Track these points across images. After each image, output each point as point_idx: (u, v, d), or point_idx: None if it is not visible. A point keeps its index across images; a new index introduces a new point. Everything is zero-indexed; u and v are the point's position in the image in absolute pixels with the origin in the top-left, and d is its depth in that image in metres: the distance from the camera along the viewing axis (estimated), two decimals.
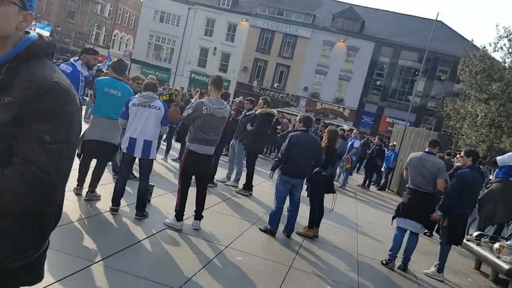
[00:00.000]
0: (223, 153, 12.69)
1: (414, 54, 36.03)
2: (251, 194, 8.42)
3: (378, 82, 37.55)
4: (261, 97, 8.85)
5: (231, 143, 9.23)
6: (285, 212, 6.12)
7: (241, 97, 17.22)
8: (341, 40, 36.41)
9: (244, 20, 37.59)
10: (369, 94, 37.00)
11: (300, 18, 37.37)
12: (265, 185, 9.88)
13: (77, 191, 5.56)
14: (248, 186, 8.44)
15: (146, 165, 5.25)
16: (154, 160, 5.45)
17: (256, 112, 8.49)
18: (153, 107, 5.09)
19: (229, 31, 38.15)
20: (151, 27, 39.46)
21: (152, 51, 40.16)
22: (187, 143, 5.32)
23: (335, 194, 6.52)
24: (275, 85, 37.85)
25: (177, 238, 4.93)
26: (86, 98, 5.29)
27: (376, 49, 36.29)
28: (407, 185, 6.02)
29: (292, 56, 37.32)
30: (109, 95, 5.27)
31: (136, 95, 5.14)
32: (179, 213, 5.22)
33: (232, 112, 11.15)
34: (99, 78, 5.39)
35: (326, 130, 6.94)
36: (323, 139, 6.71)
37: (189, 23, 38.49)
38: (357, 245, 6.78)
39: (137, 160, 5.27)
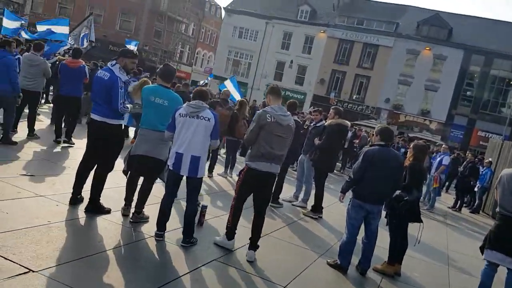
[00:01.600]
0: (292, 167, 11.93)
1: (508, 62, 32.66)
2: (320, 217, 7.47)
3: (468, 93, 34.52)
4: (332, 107, 7.90)
5: (299, 158, 8.38)
6: (360, 243, 5.13)
7: (310, 108, 16.29)
8: (427, 48, 34.07)
9: (322, 31, 36.69)
10: (458, 106, 34.08)
11: (382, 26, 35.63)
12: (338, 207, 8.84)
13: (124, 212, 5.04)
14: (317, 208, 7.51)
15: (194, 185, 4.57)
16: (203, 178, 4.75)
17: (326, 124, 7.57)
18: (202, 117, 4.42)
19: (306, 43, 37.43)
20: (230, 43, 39.99)
21: (231, 67, 40.60)
22: (247, 161, 4.69)
23: (421, 223, 5.37)
24: (354, 97, 36.30)
25: (224, 274, 4.17)
26: (129, 106, 4.74)
27: (466, 57, 33.43)
28: (496, 209, 4.97)
29: (372, 67, 35.61)
30: (155, 105, 4.70)
31: (184, 104, 4.51)
32: (231, 231, 4.79)
33: (307, 124, 10.33)
34: (145, 86, 4.84)
35: (411, 146, 5.82)
36: (408, 156, 5.62)
37: (267, 37, 38.42)
38: (449, 283, 5.58)
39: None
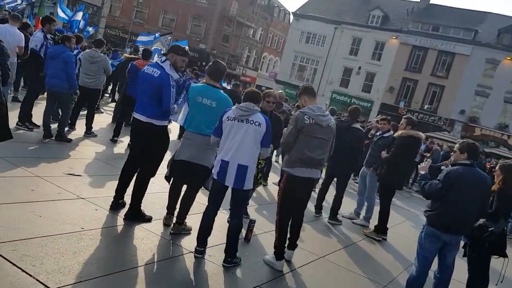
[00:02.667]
0: (354, 179, 11.10)
1: None
2: (385, 239, 6.68)
3: None
4: (404, 116, 7.07)
5: (361, 170, 7.63)
6: (431, 276, 4.35)
7: (378, 116, 15.28)
8: (508, 58, 31.38)
9: (394, 37, 35.04)
10: None
11: (459, 34, 33.35)
12: (405, 227, 8.00)
13: (166, 221, 4.64)
14: (381, 229, 6.71)
15: (240, 198, 4.05)
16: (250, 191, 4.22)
17: (396, 135, 6.76)
18: (252, 122, 3.90)
19: (376, 50, 35.92)
20: (296, 48, 39.41)
21: (296, 72, 40.00)
22: (285, 167, 4.40)
23: (506, 258, 4.48)
24: (426, 106, 34.23)
25: None
26: (175, 106, 4.32)
27: None
28: None
29: (447, 76, 33.41)
30: (202, 106, 4.24)
31: (233, 107, 4.01)
32: (279, 250, 4.42)
33: (371, 133, 9.50)
34: (193, 85, 4.39)
35: (498, 167, 4.91)
36: (496, 180, 4.74)
37: (334, 42, 37.38)
38: None
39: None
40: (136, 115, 4.45)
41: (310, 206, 7.56)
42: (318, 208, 7.23)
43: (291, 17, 43.89)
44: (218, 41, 41.43)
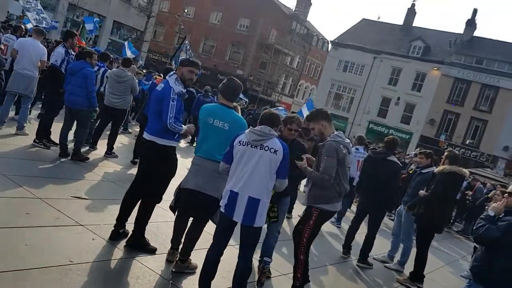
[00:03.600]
0: (389, 215, 10.29)
1: None
2: None
3: None
4: (447, 150, 6.34)
5: (398, 209, 6.90)
6: None
7: (417, 149, 14.42)
8: None
9: (436, 68, 33.95)
10: None
11: (504, 67, 31.91)
12: (443, 274, 7.14)
13: (169, 257, 4.11)
14: (417, 276, 5.94)
15: (249, 236, 3.48)
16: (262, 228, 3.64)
17: (436, 171, 6.05)
18: (267, 148, 3.38)
19: (417, 80, 34.86)
20: (333, 76, 38.88)
21: (332, 100, 39.34)
22: (320, 204, 4.10)
23: None
24: (467, 141, 32.64)
25: None
26: (183, 127, 3.88)
27: None
28: None
29: (491, 110, 31.87)
30: (214, 128, 3.76)
31: (247, 130, 3.51)
32: None
33: (411, 168, 8.76)
34: (204, 105, 3.93)
35: None
36: None
37: (373, 72, 36.62)
38: None
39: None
40: (144, 134, 4.06)
41: (337, 245, 6.89)
42: (347, 248, 6.53)
43: (330, 45, 43.63)
44: (255, 67, 41.60)
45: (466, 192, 13.20)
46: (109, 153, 7.94)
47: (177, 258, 3.98)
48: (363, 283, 5.56)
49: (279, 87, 45.42)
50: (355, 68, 37.99)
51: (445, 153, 6.14)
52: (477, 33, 37.17)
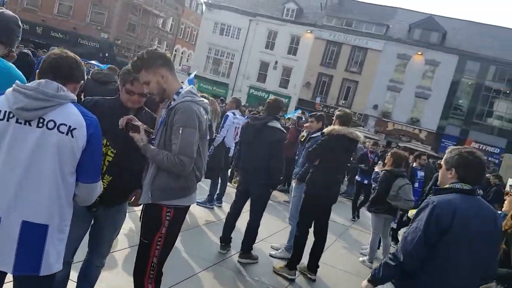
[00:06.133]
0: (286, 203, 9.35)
1: (505, 70, 30.79)
2: (314, 280, 4.89)
3: (461, 101, 32.51)
4: (338, 110, 5.26)
5: (291, 186, 5.81)
6: None
7: (299, 111, 13.73)
8: (419, 53, 31.92)
9: (309, 32, 34.22)
10: (450, 115, 32.02)
11: (371, 29, 33.36)
12: (338, 250, 6.27)
13: None
14: (312, 266, 4.95)
15: None
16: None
17: (325, 131, 5.01)
18: (52, 125, 1.86)
19: (292, 44, 34.89)
20: (210, 40, 37.17)
21: (211, 66, 37.80)
22: (169, 198, 2.66)
23: None
24: (341, 102, 33.82)
25: None
26: None
27: (460, 63, 31.41)
28: None
29: (361, 71, 33.29)
30: None
31: (8, 90, 1.84)
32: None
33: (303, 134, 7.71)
34: None
35: None
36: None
37: (250, 35, 35.76)
38: None
39: None
40: None
41: (215, 238, 5.57)
42: (225, 241, 5.23)
43: (204, 7, 41.58)
44: (122, 30, 37.85)
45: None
46: None
47: None
48: (245, 286, 4.35)
49: None
50: (231, 31, 36.72)
51: (336, 113, 5.09)
52: None
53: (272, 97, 5.72)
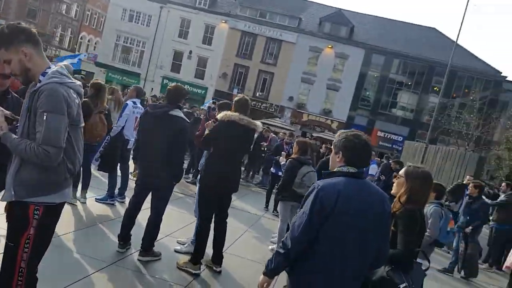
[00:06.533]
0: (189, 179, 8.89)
1: (408, 63, 32.96)
2: (219, 272, 4.59)
3: (368, 93, 34.23)
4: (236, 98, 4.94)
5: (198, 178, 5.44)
6: None
7: (210, 101, 13.44)
8: (329, 46, 32.99)
9: (223, 21, 33.84)
10: (359, 106, 33.59)
11: (285, 21, 33.81)
12: (249, 240, 6.05)
13: None
14: (216, 258, 4.64)
15: None
16: None
17: (218, 116, 4.68)
18: None
19: (206, 33, 34.24)
20: (118, 27, 35.20)
21: (120, 54, 35.86)
22: (36, 195, 2.33)
23: None
24: (258, 94, 34.00)
25: None
26: None
27: (367, 56, 33.02)
28: None
29: (276, 63, 33.65)
30: None
31: None
32: None
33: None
34: None
35: (405, 172, 3.07)
36: (398, 193, 2.95)
37: (161, 23, 34.44)
38: None
39: None
40: None
41: (113, 237, 5.04)
42: (124, 239, 4.73)
43: None
44: (21, 16, 34.68)
45: (261, 143, 12.79)
46: None
47: None
48: (143, 286, 3.93)
49: (55, 40, 39.37)
50: (141, 18, 35.16)
51: (234, 99, 4.80)
52: None
53: (172, 84, 5.28)
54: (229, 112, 4.56)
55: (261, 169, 13.16)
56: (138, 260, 4.53)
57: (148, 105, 5.56)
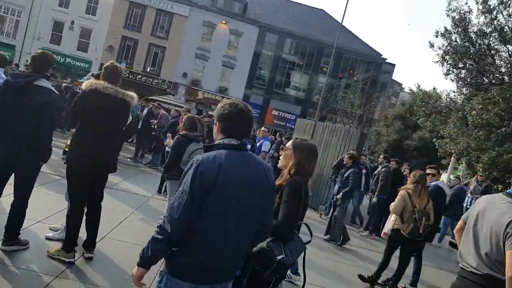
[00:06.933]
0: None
1: (300, 44, 33.97)
2: (90, 259, 4.11)
3: (263, 72, 34.73)
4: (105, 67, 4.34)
5: None
6: None
7: (90, 73, 12.47)
8: (223, 22, 32.62)
9: None
10: (254, 85, 33.95)
11: None
12: (135, 222, 5.63)
13: None
14: (87, 244, 4.19)
15: None
16: None
17: (82, 87, 4.14)
18: None
19: (90, 3, 31.57)
20: None
21: None
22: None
23: None
24: (148, 69, 32.49)
25: None
26: None
27: (261, 35, 33.32)
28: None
29: (167, 37, 32.39)
30: None
31: None
32: None
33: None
34: None
35: (290, 144, 2.95)
36: (287, 166, 2.82)
37: None
38: None
39: None
40: None
41: None
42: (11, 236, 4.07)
43: None
44: None
45: (151, 121, 12.17)
46: None
47: None
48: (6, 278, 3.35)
49: None
50: None
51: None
52: None
53: (39, 50, 4.54)
54: (92, 80, 4.04)
55: (151, 148, 12.55)
56: (1, 250, 3.92)
57: (10, 74, 4.75)
